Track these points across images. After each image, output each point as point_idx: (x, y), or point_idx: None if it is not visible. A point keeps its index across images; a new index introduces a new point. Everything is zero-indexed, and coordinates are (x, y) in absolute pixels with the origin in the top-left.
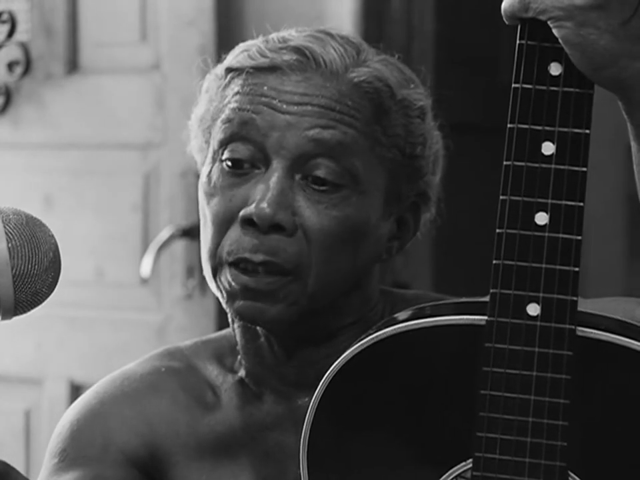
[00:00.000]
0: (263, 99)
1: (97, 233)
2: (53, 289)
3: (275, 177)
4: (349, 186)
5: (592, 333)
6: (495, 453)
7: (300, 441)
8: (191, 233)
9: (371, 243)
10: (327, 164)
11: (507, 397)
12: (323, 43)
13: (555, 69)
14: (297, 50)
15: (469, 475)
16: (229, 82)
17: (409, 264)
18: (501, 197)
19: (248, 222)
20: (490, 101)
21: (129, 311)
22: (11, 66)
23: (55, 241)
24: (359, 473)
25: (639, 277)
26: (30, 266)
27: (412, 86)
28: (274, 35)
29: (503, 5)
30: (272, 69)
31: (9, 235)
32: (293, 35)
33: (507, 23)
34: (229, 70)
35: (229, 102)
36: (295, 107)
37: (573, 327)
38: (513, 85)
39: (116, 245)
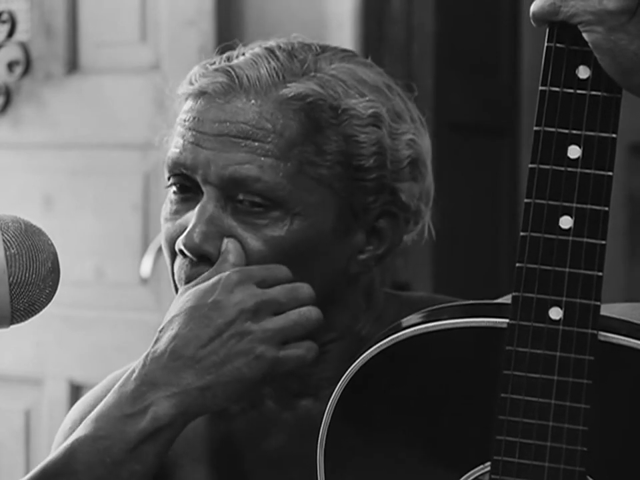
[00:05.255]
0: (190, 133)
1: (97, 233)
2: (51, 299)
3: (205, 206)
4: (278, 208)
5: (614, 337)
6: (514, 457)
7: (313, 445)
8: None
9: (323, 261)
10: (250, 197)
11: (527, 400)
12: (259, 59)
13: (583, 72)
14: (225, 72)
15: (487, 478)
16: (179, 105)
17: (408, 264)
18: (526, 200)
19: (181, 252)
20: (490, 101)
21: (129, 310)
22: (11, 66)
23: (54, 250)
24: (375, 477)
25: (639, 277)
26: (28, 274)
27: (365, 94)
28: (228, 54)
29: (532, 8)
30: (202, 93)
31: (7, 242)
32: (243, 53)
33: (534, 25)
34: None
35: (176, 134)
36: (213, 141)
37: (595, 331)
38: (540, 88)
39: (116, 245)
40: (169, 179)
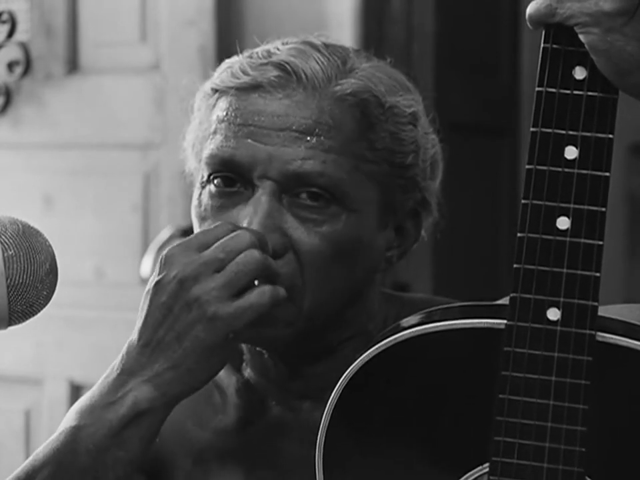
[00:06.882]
0: (245, 129)
1: (97, 233)
2: (49, 300)
3: (261, 199)
4: (337, 204)
5: (611, 338)
6: (513, 458)
7: (315, 448)
8: (191, 233)
9: (366, 257)
10: (312, 191)
11: (525, 401)
12: (305, 55)
13: (580, 73)
14: (279, 65)
15: (485, 479)
16: (215, 102)
17: (409, 264)
18: (523, 201)
19: None
20: (490, 101)
21: (129, 311)
22: (11, 66)
23: (52, 251)
24: (374, 478)
25: (639, 277)
26: (25, 276)
27: (401, 92)
28: (259, 50)
29: (529, 11)
30: (254, 87)
31: (5, 244)
32: (279, 48)
33: (531, 28)
34: (214, 90)
35: (215, 130)
36: (274, 136)
37: (593, 332)
38: (537, 89)
39: (116, 245)
40: (209, 176)
